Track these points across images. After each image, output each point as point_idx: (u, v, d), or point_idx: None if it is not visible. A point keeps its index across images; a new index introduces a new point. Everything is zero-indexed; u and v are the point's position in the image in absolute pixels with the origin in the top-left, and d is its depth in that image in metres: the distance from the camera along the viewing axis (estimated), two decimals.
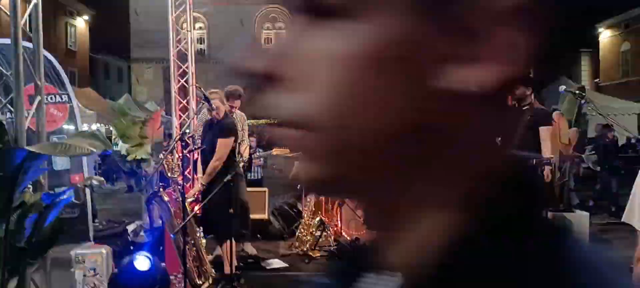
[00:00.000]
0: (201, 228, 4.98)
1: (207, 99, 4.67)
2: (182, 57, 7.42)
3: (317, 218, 6.25)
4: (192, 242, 4.51)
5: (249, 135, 8.29)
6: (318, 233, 6.25)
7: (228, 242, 4.60)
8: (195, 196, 4.95)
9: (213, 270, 4.71)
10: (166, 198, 4.40)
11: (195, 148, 5.17)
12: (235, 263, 4.78)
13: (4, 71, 3.72)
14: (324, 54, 0.35)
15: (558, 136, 6.92)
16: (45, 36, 3.83)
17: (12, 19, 3.36)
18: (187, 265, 4.31)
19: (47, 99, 4.63)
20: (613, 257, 0.38)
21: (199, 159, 5.30)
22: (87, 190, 5.32)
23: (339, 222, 6.41)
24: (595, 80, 33.10)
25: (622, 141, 11.42)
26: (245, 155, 5.93)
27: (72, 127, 5.27)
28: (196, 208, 4.70)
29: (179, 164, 5.15)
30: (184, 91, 7.42)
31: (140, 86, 28.93)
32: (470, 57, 0.33)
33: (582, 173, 10.67)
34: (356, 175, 0.37)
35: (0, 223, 2.75)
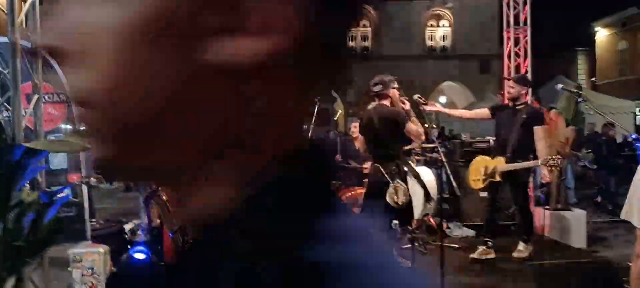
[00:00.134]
0: None
1: None
2: None
3: None
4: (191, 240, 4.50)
5: None
6: None
7: None
8: None
9: None
10: (164, 197, 4.40)
11: None
12: None
13: (2, 69, 3.71)
14: (102, 27, 0.34)
15: (555, 135, 6.94)
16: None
17: (9, 17, 3.35)
18: None
19: (44, 97, 4.62)
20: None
21: None
22: (85, 189, 5.31)
23: None
24: (592, 79, 33.19)
25: (618, 140, 11.46)
26: None
27: (69, 127, 5.26)
28: None
29: None
30: None
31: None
32: (237, 29, 0.33)
33: (579, 171, 10.71)
34: (137, 154, 0.36)
35: None
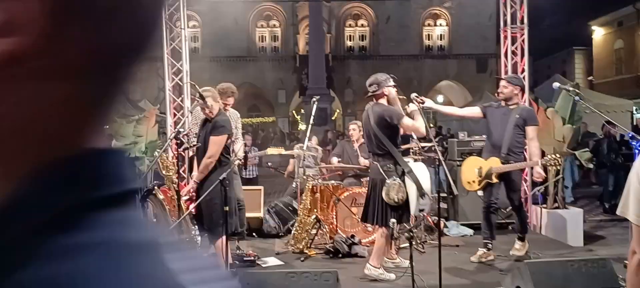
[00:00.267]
0: (196, 226, 4.96)
1: (201, 97, 4.65)
2: (176, 55, 7.40)
3: (313, 216, 6.24)
4: (187, 240, 4.50)
5: (244, 134, 8.27)
6: (314, 231, 6.24)
7: (222, 239, 4.58)
8: (190, 194, 4.94)
9: None
10: (161, 197, 4.39)
11: (189, 147, 5.15)
12: (230, 261, 4.77)
13: None
14: None
15: (552, 133, 6.95)
16: None
17: None
18: None
19: None
20: None
21: (196, 158, 5.29)
22: None
23: (335, 219, 6.40)
24: (589, 78, 33.26)
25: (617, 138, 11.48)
26: (240, 153, 5.92)
27: None
28: (191, 206, 4.69)
29: (173, 162, 5.13)
30: (178, 89, 7.40)
31: (133, 84, 28.80)
32: None
33: (577, 170, 10.72)
34: None
35: None
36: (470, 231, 6.97)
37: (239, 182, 5.25)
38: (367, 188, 5.27)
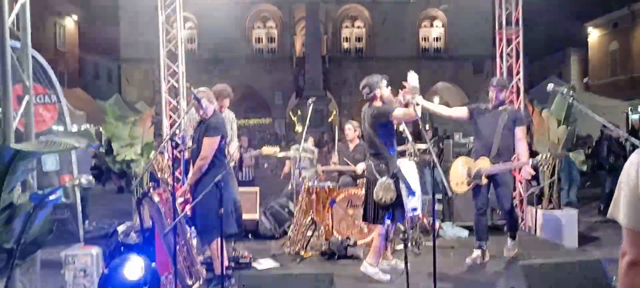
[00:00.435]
0: (192, 228, 4.96)
1: (197, 98, 4.65)
2: (172, 56, 7.39)
3: (309, 218, 6.25)
4: (183, 242, 4.50)
5: (240, 136, 8.25)
6: (309, 233, 6.25)
7: (217, 242, 4.58)
8: (185, 196, 4.93)
9: (204, 271, 4.70)
10: (156, 199, 4.39)
11: (184, 149, 5.15)
12: (226, 263, 4.77)
13: None
14: None
15: (547, 135, 6.97)
16: (33, 36, 3.80)
17: None
18: (178, 266, 4.30)
19: (35, 99, 4.60)
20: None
21: (191, 160, 5.28)
22: (77, 191, 5.29)
23: (330, 221, 6.41)
24: (585, 80, 33.35)
25: None
26: (235, 155, 5.91)
27: (61, 128, 5.24)
28: (187, 208, 4.69)
29: (169, 164, 5.13)
30: (174, 91, 7.39)
31: (130, 86, 28.76)
32: None
33: (574, 172, 10.73)
34: None
35: None
36: (465, 232, 6.99)
37: (235, 182, 5.24)
38: (363, 189, 5.33)
